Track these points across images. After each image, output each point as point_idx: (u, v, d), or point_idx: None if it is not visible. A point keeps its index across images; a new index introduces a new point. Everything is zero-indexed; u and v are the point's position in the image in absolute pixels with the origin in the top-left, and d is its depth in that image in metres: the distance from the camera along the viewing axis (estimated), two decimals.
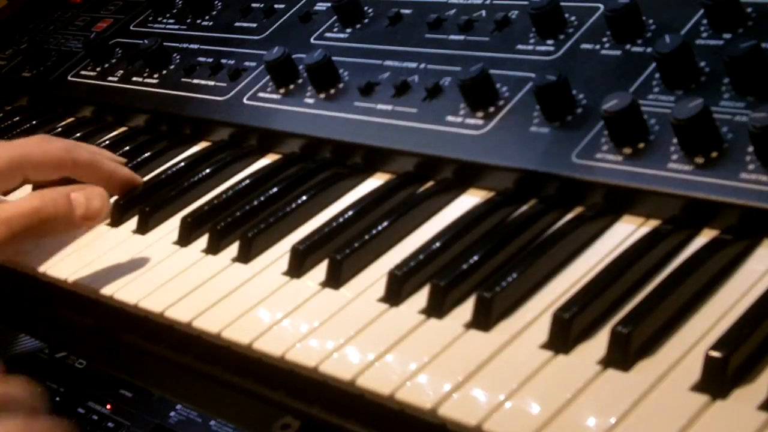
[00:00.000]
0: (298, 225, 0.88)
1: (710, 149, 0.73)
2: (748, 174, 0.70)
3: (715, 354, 0.60)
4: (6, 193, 0.98)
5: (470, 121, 0.87)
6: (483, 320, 0.70)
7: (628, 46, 0.85)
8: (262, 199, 0.91)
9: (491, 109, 0.86)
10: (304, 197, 0.89)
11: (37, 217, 0.85)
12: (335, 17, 1.07)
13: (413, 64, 0.95)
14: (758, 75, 0.74)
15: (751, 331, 0.61)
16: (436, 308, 0.73)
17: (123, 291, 0.85)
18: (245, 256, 0.85)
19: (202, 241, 0.89)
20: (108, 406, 0.88)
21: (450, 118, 0.88)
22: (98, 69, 1.24)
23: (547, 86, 0.81)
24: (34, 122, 1.24)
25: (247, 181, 0.95)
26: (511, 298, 0.71)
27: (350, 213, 0.85)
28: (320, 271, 0.81)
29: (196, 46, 1.17)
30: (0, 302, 1.02)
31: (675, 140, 0.74)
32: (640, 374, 0.62)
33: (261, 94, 1.03)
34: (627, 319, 0.65)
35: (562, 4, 0.90)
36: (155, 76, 1.16)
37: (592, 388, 0.62)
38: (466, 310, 0.72)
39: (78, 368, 0.91)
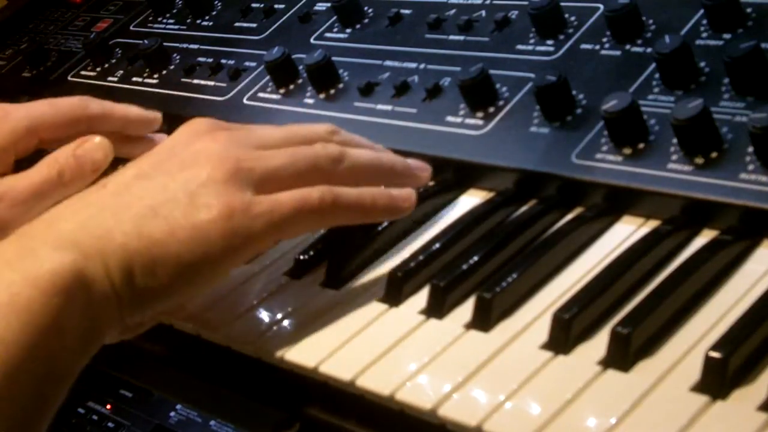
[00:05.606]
0: None
1: (710, 149, 0.73)
2: (747, 174, 0.70)
3: (715, 354, 0.60)
4: (22, 160, 0.95)
5: (470, 121, 0.86)
6: (483, 321, 0.70)
7: (628, 47, 0.85)
8: None
9: (491, 110, 0.86)
10: None
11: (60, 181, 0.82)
12: (335, 17, 1.07)
13: (413, 65, 0.95)
14: (758, 75, 0.74)
15: (751, 332, 0.61)
16: (436, 309, 0.73)
17: None
18: None
19: None
20: (108, 406, 0.88)
21: (450, 119, 0.88)
22: (98, 69, 1.24)
23: (547, 86, 0.81)
24: None
25: None
26: (511, 298, 0.71)
27: None
28: (320, 271, 0.81)
29: (196, 46, 1.17)
30: None
31: (675, 140, 0.74)
32: (640, 374, 0.62)
33: (261, 95, 1.03)
34: (627, 320, 0.65)
35: (562, 4, 0.90)
36: (155, 76, 1.16)
37: (592, 388, 0.62)
38: (466, 310, 0.72)
39: None
